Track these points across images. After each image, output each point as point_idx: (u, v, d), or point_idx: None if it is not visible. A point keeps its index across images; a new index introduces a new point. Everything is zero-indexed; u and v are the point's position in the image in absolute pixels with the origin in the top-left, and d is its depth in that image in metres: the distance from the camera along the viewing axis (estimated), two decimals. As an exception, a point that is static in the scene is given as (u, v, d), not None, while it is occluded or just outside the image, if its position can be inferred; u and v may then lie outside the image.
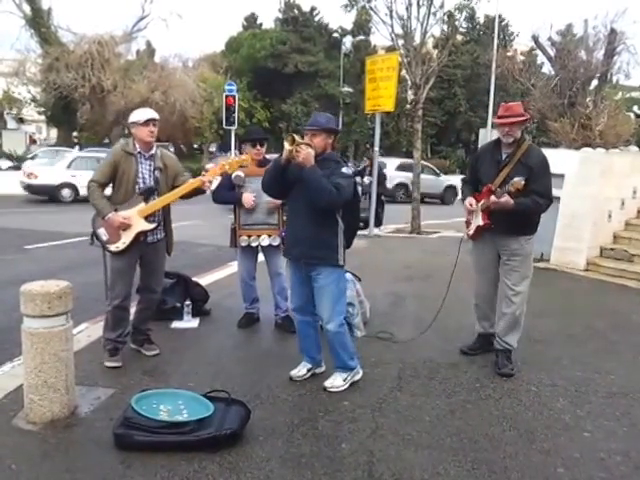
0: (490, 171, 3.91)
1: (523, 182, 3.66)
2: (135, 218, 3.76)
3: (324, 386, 3.55)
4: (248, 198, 4.47)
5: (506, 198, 3.68)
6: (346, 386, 3.57)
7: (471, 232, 4.07)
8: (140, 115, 3.82)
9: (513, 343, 4.04)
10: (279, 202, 4.39)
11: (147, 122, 3.77)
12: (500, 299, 4.13)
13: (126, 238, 3.77)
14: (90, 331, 4.50)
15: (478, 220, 3.96)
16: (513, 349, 4.05)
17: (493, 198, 3.74)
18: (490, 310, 4.25)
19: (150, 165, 3.86)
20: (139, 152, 3.83)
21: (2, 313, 5.03)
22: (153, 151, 3.90)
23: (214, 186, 4.47)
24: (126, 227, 3.75)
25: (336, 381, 3.56)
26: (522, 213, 3.76)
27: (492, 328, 4.25)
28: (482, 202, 3.87)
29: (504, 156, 3.89)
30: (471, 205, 3.95)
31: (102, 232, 3.80)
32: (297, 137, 3.30)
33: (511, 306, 3.98)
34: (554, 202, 7.70)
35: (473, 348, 4.28)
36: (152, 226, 3.83)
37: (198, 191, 3.92)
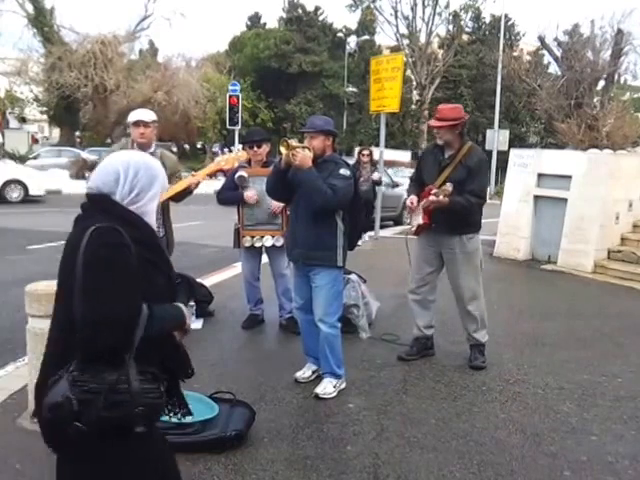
0: (432, 172, 3.99)
1: (451, 188, 3.76)
2: None
3: (315, 393, 3.47)
4: (250, 195, 4.45)
5: (441, 198, 3.77)
6: (335, 393, 3.51)
7: (413, 229, 4.15)
8: (132, 116, 3.89)
9: (481, 339, 4.11)
10: (281, 206, 4.39)
11: (136, 123, 3.83)
12: (457, 300, 4.15)
13: None
14: (94, 331, 4.48)
15: (419, 219, 4.02)
16: (483, 343, 4.12)
17: (431, 197, 3.81)
18: (422, 307, 4.20)
19: None
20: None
21: (6, 313, 5.04)
22: (152, 150, 3.93)
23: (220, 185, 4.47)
24: None
25: (327, 388, 3.50)
26: (456, 211, 3.83)
27: (428, 330, 4.22)
28: (423, 201, 3.91)
29: (446, 157, 3.97)
30: (412, 203, 3.99)
31: None
32: (291, 141, 3.31)
33: (466, 304, 4.05)
34: (561, 204, 7.81)
35: (410, 354, 4.19)
36: None
37: (187, 192, 3.92)
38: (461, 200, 3.79)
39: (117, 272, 1.50)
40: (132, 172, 1.64)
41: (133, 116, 3.89)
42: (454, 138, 3.90)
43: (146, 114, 3.91)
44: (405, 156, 23.35)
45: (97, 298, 1.47)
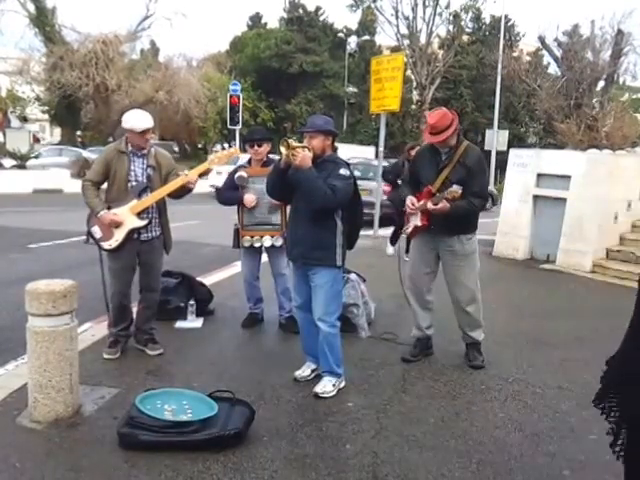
0: (430, 172, 3.94)
1: (460, 191, 3.71)
2: (127, 215, 3.80)
3: (315, 392, 3.48)
4: (249, 199, 4.47)
5: (443, 204, 3.72)
6: (334, 392, 3.51)
7: (409, 230, 4.11)
8: (136, 123, 3.81)
9: (478, 337, 4.15)
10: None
11: (144, 132, 3.81)
12: (453, 301, 4.14)
13: (118, 235, 3.81)
14: (94, 330, 4.50)
15: (416, 220, 3.99)
16: (480, 341, 4.16)
17: (430, 205, 3.77)
18: (423, 308, 4.21)
19: (143, 163, 3.91)
20: (131, 151, 3.87)
21: (6, 312, 5.04)
22: (146, 150, 3.93)
23: (220, 183, 4.47)
24: (118, 224, 3.78)
25: (326, 387, 3.50)
26: (458, 215, 3.81)
27: (429, 330, 4.24)
28: (421, 203, 3.87)
29: (443, 157, 3.93)
30: (413, 205, 3.93)
31: (96, 230, 3.85)
32: (291, 141, 3.31)
33: (465, 305, 4.07)
34: (560, 203, 7.82)
35: (414, 354, 4.20)
36: (144, 223, 3.86)
37: (186, 190, 3.93)
38: (464, 204, 3.77)
39: None
40: None
41: (138, 123, 3.81)
42: (453, 141, 3.90)
43: (148, 121, 3.84)
44: (369, 152, 23.24)
45: None
